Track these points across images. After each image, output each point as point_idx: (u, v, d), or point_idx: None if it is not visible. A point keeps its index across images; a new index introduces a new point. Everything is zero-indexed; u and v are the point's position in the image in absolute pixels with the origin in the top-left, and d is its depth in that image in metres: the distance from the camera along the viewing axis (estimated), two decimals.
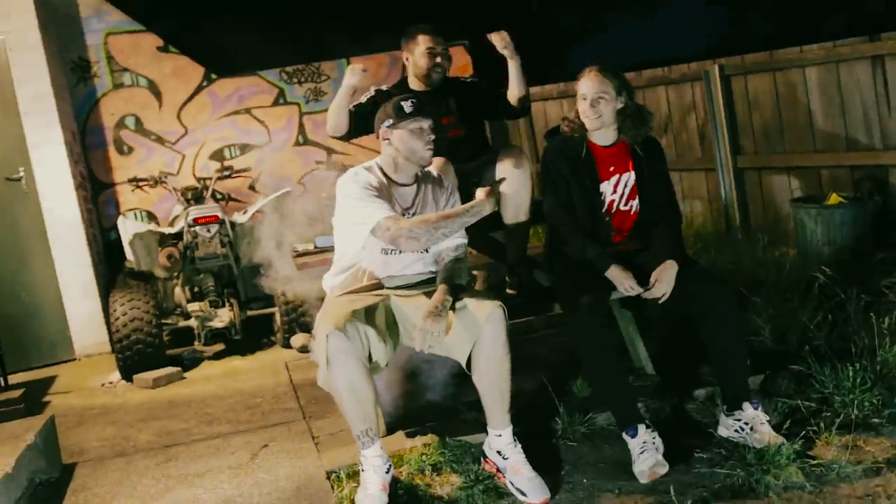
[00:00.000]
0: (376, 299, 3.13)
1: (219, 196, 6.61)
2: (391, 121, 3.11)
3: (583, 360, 3.18)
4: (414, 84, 3.98)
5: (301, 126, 6.91)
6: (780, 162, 5.67)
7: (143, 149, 6.59)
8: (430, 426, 3.41)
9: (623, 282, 3.23)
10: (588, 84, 3.31)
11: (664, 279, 3.21)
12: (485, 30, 3.86)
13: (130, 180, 6.03)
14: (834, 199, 4.93)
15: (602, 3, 9.56)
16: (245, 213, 5.75)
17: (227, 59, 6.68)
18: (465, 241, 3.25)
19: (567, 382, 3.68)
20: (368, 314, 3.02)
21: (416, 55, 3.92)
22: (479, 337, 2.95)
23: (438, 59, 3.90)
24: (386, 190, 3.12)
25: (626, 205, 3.46)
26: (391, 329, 3.10)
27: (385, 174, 3.17)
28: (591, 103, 3.30)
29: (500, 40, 3.79)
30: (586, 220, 3.41)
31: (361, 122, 3.84)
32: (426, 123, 3.10)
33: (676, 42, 8.27)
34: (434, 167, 3.43)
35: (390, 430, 3.42)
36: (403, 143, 3.10)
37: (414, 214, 3.16)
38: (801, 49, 5.39)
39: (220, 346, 5.51)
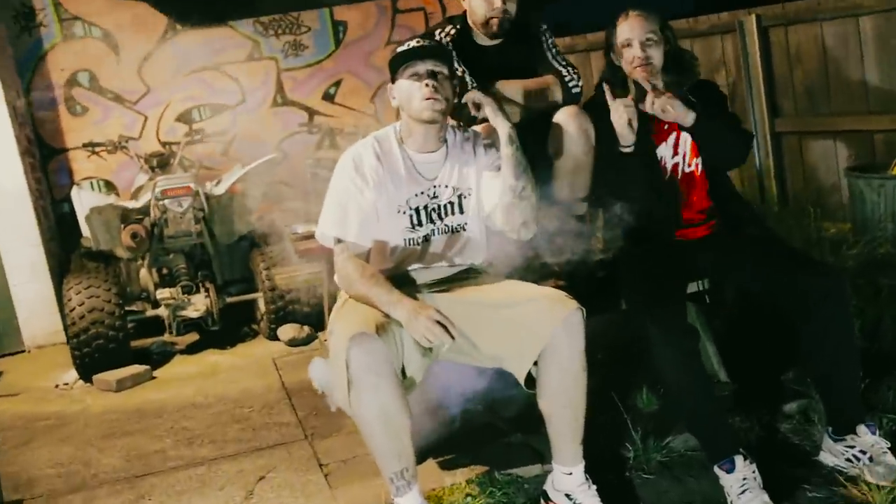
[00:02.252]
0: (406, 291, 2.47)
1: (187, 163, 5.85)
2: (391, 73, 2.52)
3: (664, 376, 2.54)
4: (476, 35, 3.12)
5: (279, 84, 6.13)
6: (825, 125, 5.06)
7: (98, 109, 5.77)
8: (469, 453, 2.76)
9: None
10: (631, 26, 2.82)
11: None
12: None
13: (85, 145, 5.28)
14: None
15: None
16: (219, 183, 5.01)
17: (193, 6, 5.84)
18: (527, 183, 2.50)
19: (628, 393, 3.04)
20: None
21: None
22: (549, 345, 2.30)
23: (501, 4, 2.95)
24: (395, 167, 2.49)
25: (689, 165, 2.92)
26: None
27: (402, 142, 2.53)
28: (642, 47, 2.78)
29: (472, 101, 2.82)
30: (649, 197, 2.79)
31: None
32: (423, 67, 2.44)
33: None
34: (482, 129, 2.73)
35: (418, 454, 2.75)
36: (402, 96, 2.48)
37: (438, 191, 2.53)
38: None
39: (194, 337, 4.79)
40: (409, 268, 2.54)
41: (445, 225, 2.53)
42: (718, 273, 2.86)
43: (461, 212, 2.54)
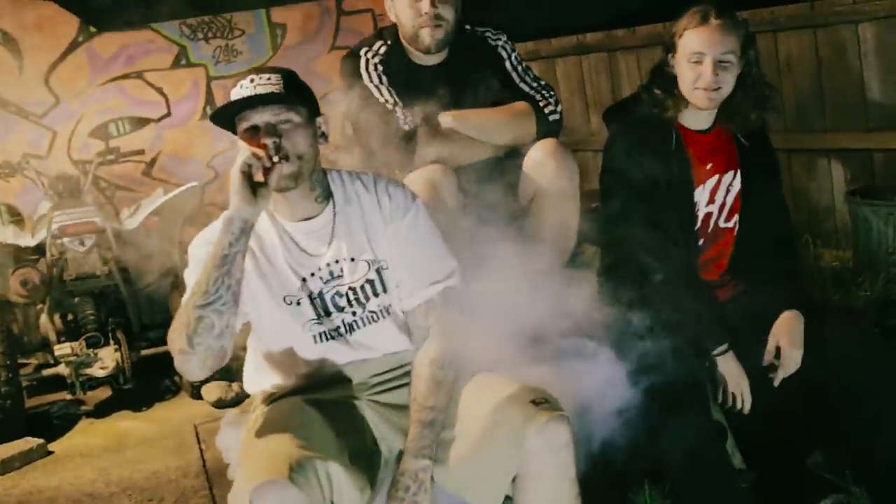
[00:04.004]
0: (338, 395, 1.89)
1: (105, 186, 5.16)
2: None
3: (678, 470, 2.04)
4: (411, 52, 2.55)
5: (209, 94, 5.47)
6: (818, 143, 4.55)
7: None
8: None
9: (740, 382, 2.10)
10: (707, 38, 2.18)
11: (792, 341, 2.09)
12: None
13: None
14: None
15: None
16: (137, 210, 4.34)
17: (109, 7, 5.15)
18: (451, 285, 1.96)
19: (622, 491, 2.46)
20: (331, 431, 1.77)
21: (397, 2, 2.49)
22: (524, 469, 1.72)
23: (431, 8, 2.40)
24: (268, 246, 1.93)
25: (727, 220, 2.41)
26: (370, 460, 1.84)
27: (273, 210, 1.95)
28: (715, 68, 2.15)
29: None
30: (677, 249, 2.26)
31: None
32: (258, 118, 1.82)
33: None
34: (418, 181, 2.12)
35: None
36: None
37: (334, 268, 1.94)
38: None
39: (105, 392, 4.10)
40: (341, 363, 1.92)
41: (370, 312, 1.93)
42: (738, 344, 2.32)
43: (384, 290, 1.94)
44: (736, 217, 2.42)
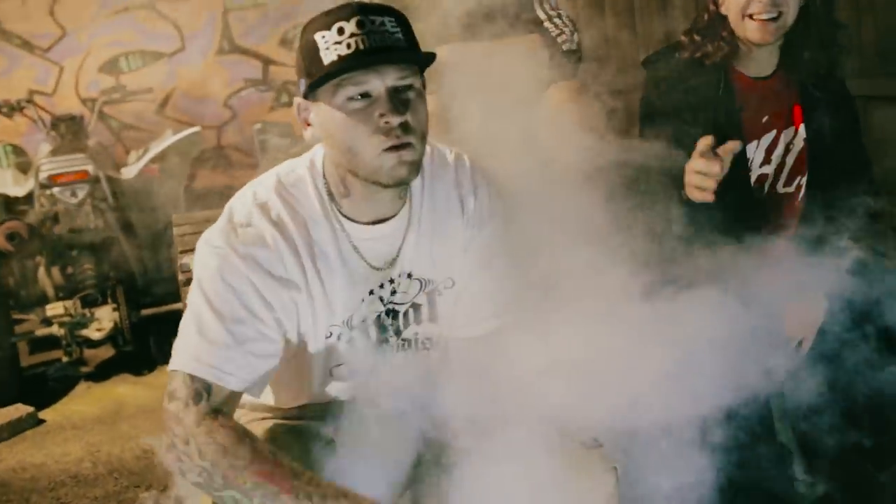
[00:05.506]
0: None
1: (114, 125, 4.84)
2: (304, 81, 1.34)
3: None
4: None
5: (226, 27, 5.05)
6: None
7: (3, 57, 4.73)
8: None
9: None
10: None
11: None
12: None
13: None
14: None
15: None
16: (143, 155, 4.01)
17: None
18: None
19: None
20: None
21: None
22: None
23: None
24: (323, 257, 1.39)
25: (786, 184, 2.00)
26: None
27: (334, 203, 1.41)
28: None
29: None
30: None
31: None
32: (378, 84, 1.29)
33: None
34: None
35: None
36: (332, 132, 1.33)
37: (397, 286, 1.45)
38: None
39: (107, 352, 3.84)
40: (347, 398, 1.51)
41: (403, 340, 1.49)
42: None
43: (431, 319, 1.50)
44: (800, 179, 2.00)
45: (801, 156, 2.00)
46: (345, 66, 1.26)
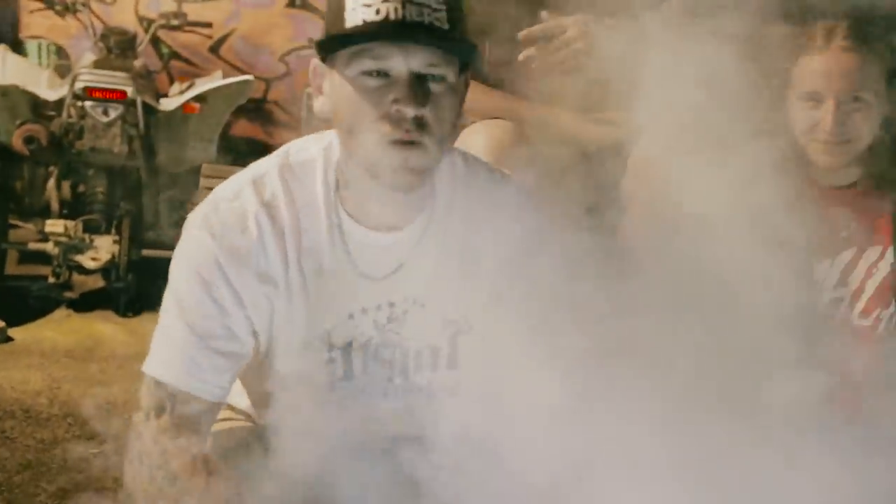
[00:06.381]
0: None
1: (165, 52, 4.64)
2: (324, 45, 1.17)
3: None
4: None
5: None
6: None
7: None
8: None
9: None
10: (827, 68, 1.54)
11: None
12: None
13: None
14: None
15: None
16: (187, 90, 3.81)
17: None
18: None
19: None
20: None
21: None
22: None
23: None
24: (315, 254, 1.20)
25: (865, 315, 1.70)
26: None
27: (339, 189, 1.21)
28: (838, 107, 1.53)
29: None
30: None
31: None
32: (400, 63, 1.09)
33: None
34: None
35: None
36: (341, 108, 1.14)
37: (396, 310, 1.24)
38: None
39: (96, 282, 3.62)
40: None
41: (411, 383, 1.26)
42: None
43: (451, 365, 1.27)
44: (881, 312, 1.75)
45: (885, 282, 1.76)
46: (367, 34, 1.07)
